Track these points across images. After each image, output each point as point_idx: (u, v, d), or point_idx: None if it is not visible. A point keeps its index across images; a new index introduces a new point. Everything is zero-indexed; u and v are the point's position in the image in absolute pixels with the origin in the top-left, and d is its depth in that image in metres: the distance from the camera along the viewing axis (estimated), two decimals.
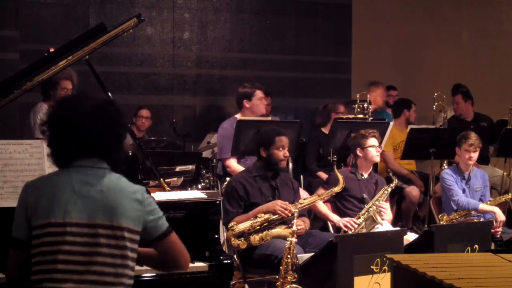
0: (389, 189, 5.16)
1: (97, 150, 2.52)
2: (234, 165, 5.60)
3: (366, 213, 5.02)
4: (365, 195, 5.14)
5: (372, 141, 5.20)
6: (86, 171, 2.48)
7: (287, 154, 4.73)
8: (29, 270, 2.43)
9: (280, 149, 4.69)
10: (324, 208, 5.15)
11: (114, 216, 2.43)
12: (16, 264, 2.49)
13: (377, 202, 5.06)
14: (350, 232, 4.90)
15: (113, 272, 2.41)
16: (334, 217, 5.10)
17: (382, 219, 5.01)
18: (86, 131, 2.47)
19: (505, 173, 6.97)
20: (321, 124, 6.69)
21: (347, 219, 5.02)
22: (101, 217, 2.42)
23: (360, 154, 5.21)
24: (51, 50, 4.06)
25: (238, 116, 5.78)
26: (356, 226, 4.97)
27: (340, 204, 5.18)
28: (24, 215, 2.44)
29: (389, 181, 5.29)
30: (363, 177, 5.23)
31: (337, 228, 5.07)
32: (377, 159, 5.29)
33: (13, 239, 2.48)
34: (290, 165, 5.69)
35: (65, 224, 2.39)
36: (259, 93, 5.76)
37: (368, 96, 7.19)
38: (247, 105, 5.75)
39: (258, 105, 5.75)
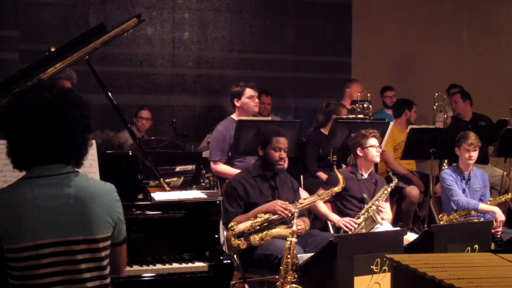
0: (389, 189, 5.16)
1: (56, 155, 2.34)
2: (218, 168, 5.65)
3: (366, 213, 5.02)
4: (365, 195, 5.14)
5: (373, 141, 5.20)
6: (48, 181, 2.32)
7: (283, 155, 4.71)
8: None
9: (277, 150, 4.69)
10: (324, 208, 5.15)
11: (88, 229, 2.32)
12: None
13: (376, 202, 5.06)
14: (350, 232, 4.90)
15: (91, 286, 2.34)
16: (334, 217, 5.10)
17: (382, 219, 5.01)
18: (38, 135, 2.29)
19: (505, 173, 6.97)
20: (321, 124, 6.69)
21: (347, 219, 5.02)
22: (74, 232, 2.30)
23: (360, 154, 5.21)
24: (52, 49, 4.05)
25: (234, 116, 5.79)
26: (356, 226, 4.97)
27: (340, 204, 5.18)
28: None
29: (389, 181, 5.29)
30: (363, 177, 5.23)
31: (337, 228, 5.08)
32: (377, 159, 5.29)
33: None
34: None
35: (36, 247, 2.26)
36: (249, 91, 5.73)
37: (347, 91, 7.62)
38: (237, 104, 5.76)
39: (247, 103, 5.72)
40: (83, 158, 2.43)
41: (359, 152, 5.21)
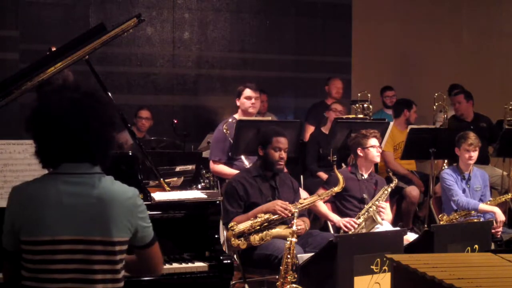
0: (389, 189, 5.16)
1: (84, 154, 2.37)
2: (217, 168, 5.64)
3: (366, 213, 5.02)
4: (365, 195, 5.14)
5: (373, 141, 5.20)
6: (75, 179, 2.35)
7: (283, 155, 4.71)
8: (19, 279, 2.36)
9: (277, 150, 4.68)
10: (324, 208, 5.15)
11: (106, 231, 2.33)
12: (6, 273, 2.44)
13: (376, 202, 5.06)
14: (350, 232, 4.90)
15: None
16: (334, 217, 5.10)
17: (382, 219, 5.01)
18: (68, 134, 2.33)
19: (504, 173, 6.97)
20: (321, 123, 6.74)
21: (347, 219, 5.02)
22: (92, 232, 2.32)
23: (361, 154, 5.21)
24: (53, 49, 4.05)
25: (236, 115, 5.80)
26: (356, 226, 4.97)
27: (340, 204, 5.18)
28: (11, 225, 2.34)
29: (389, 181, 5.29)
30: (363, 177, 5.23)
31: (337, 228, 5.07)
32: (378, 159, 5.29)
33: (1, 248, 2.39)
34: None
35: (54, 242, 2.29)
36: (247, 92, 5.73)
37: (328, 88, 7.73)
38: (238, 103, 5.78)
39: (244, 103, 5.73)
40: (109, 158, 2.46)
41: (359, 152, 5.21)
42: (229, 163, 5.64)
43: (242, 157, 5.48)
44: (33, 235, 2.29)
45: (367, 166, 5.26)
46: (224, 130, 5.54)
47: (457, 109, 7.48)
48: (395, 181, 5.24)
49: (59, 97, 2.37)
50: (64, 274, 2.30)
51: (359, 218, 5.02)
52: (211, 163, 5.70)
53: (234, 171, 5.29)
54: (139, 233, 2.44)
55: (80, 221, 2.32)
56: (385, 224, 5.06)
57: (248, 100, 5.72)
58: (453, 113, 7.90)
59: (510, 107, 7.38)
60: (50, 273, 2.30)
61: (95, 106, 2.38)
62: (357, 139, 5.25)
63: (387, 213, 5.15)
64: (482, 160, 6.54)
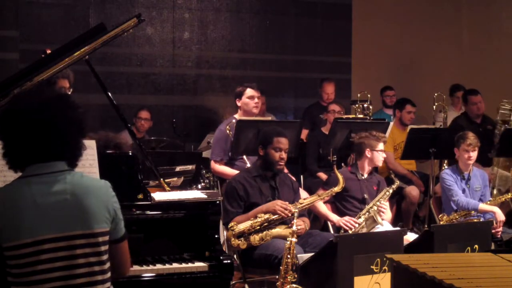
0: (391, 190, 5.16)
1: (52, 154, 2.40)
2: (218, 169, 5.64)
3: (367, 213, 5.02)
4: (365, 195, 5.14)
5: (382, 145, 5.24)
6: (45, 179, 2.37)
7: (283, 156, 4.71)
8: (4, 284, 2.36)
9: (277, 150, 4.68)
10: (324, 208, 5.15)
11: (86, 223, 2.36)
12: None
13: (378, 203, 5.06)
14: (350, 232, 4.90)
15: (91, 281, 2.37)
16: (334, 217, 5.09)
17: (382, 219, 5.01)
18: (36, 136, 2.36)
19: (504, 172, 6.95)
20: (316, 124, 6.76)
21: (346, 218, 5.01)
22: (72, 228, 2.35)
23: (368, 155, 5.21)
24: (48, 51, 4.05)
25: (237, 116, 5.80)
26: (356, 225, 4.97)
27: (340, 204, 5.18)
28: None
29: (389, 181, 5.29)
30: (363, 177, 5.23)
31: (337, 228, 5.07)
32: (381, 163, 5.34)
33: None
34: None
35: (36, 243, 2.30)
36: (249, 92, 5.74)
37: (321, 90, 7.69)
38: (238, 104, 5.78)
39: (247, 103, 5.74)
40: (77, 159, 2.49)
41: (367, 153, 5.20)
42: (230, 163, 5.64)
43: (244, 156, 5.48)
44: (14, 240, 2.30)
45: (369, 167, 5.26)
46: (227, 131, 5.53)
47: (477, 109, 7.28)
48: (397, 182, 5.24)
49: (28, 100, 2.42)
50: (51, 273, 2.32)
51: (359, 217, 5.02)
52: (212, 162, 5.69)
53: (235, 172, 5.28)
54: (113, 224, 2.47)
55: (58, 219, 2.34)
56: (385, 224, 5.06)
57: (252, 100, 5.73)
58: (452, 113, 7.90)
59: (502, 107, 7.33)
60: (37, 275, 2.31)
61: (63, 109, 2.41)
62: (368, 140, 5.23)
63: (387, 212, 5.15)
64: (486, 162, 6.53)
